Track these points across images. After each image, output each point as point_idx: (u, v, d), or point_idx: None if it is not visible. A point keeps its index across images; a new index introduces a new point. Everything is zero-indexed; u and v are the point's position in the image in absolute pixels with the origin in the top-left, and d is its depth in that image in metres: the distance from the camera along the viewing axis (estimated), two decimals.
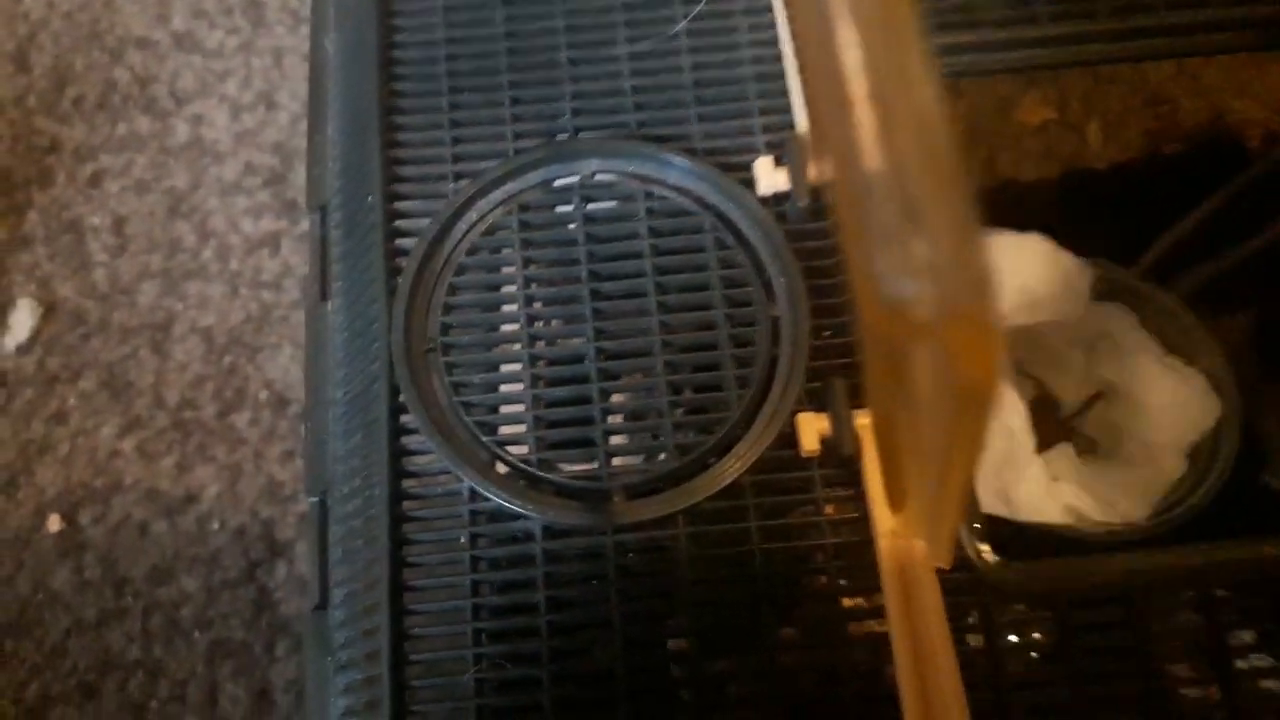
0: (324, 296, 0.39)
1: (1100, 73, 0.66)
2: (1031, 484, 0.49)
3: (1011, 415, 0.50)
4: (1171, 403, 0.52)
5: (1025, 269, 0.52)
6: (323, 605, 0.36)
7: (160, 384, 0.70)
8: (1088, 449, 0.53)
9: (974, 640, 0.35)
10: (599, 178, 0.39)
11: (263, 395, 0.68)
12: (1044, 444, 0.52)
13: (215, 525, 0.65)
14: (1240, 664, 0.35)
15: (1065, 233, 0.55)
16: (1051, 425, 0.53)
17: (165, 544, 0.65)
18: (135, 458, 0.67)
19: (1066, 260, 0.53)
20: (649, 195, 0.39)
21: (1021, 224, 0.55)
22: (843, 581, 0.33)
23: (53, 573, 0.63)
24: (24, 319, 0.70)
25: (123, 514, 0.65)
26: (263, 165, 0.78)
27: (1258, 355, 0.57)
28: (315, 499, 0.37)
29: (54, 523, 0.64)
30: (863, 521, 0.34)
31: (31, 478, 0.66)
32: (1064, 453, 0.51)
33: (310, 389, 0.39)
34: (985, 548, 0.34)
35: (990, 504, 0.47)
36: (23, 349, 0.70)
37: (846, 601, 0.33)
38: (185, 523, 0.65)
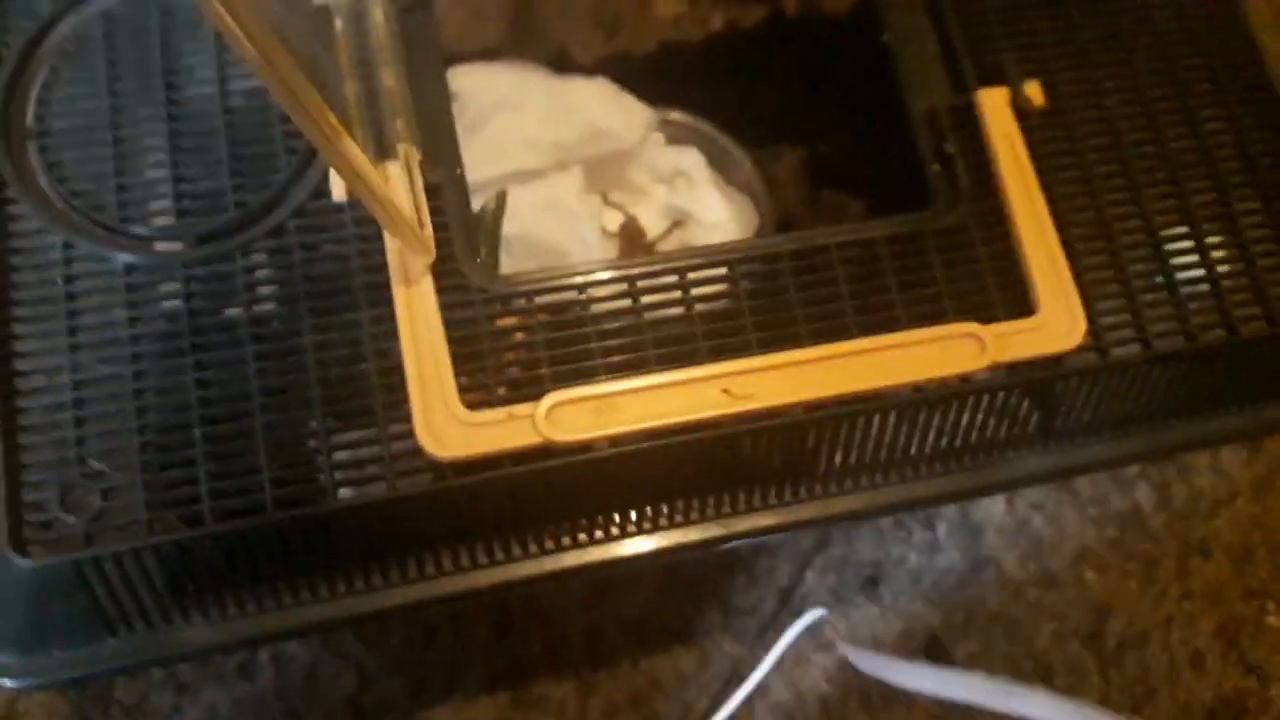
0: None
1: None
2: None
3: (586, 228, 0.60)
4: (724, 218, 0.63)
5: (591, 105, 0.62)
6: None
7: None
8: None
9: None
10: None
11: None
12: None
13: None
14: None
15: (670, 94, 0.66)
16: (637, 249, 0.64)
17: None
18: None
19: (627, 100, 0.63)
20: None
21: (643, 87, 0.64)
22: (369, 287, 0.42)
23: None
24: None
25: None
26: None
27: (804, 183, 0.69)
28: None
29: None
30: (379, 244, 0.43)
31: None
32: None
33: None
34: (478, 262, 0.44)
35: None
36: None
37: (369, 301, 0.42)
38: None
